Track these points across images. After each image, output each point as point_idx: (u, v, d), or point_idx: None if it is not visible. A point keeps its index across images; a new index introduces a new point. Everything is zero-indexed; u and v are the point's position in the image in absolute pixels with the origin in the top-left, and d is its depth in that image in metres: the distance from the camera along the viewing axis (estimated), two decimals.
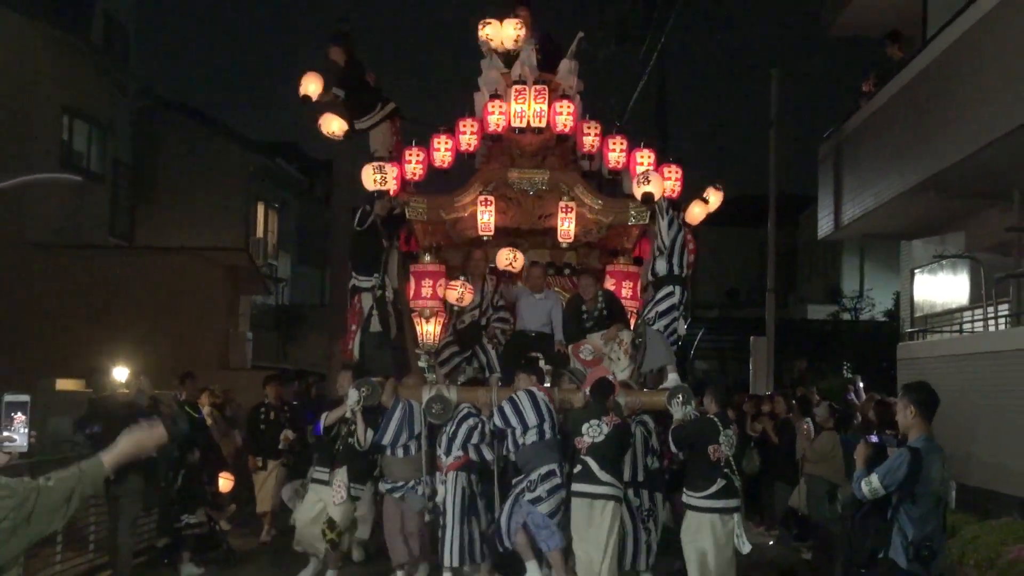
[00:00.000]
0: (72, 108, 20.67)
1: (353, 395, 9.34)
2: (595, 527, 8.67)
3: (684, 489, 8.95)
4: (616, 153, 10.64)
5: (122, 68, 23.74)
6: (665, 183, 10.24)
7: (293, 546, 10.35)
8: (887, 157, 14.42)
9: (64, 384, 14.21)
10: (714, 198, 10.98)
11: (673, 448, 9.14)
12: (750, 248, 20.05)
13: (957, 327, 14.34)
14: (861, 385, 15.20)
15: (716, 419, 8.88)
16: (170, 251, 20.40)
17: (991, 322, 13.09)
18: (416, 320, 10.89)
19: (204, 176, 23.70)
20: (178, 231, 22.22)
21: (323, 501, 9.58)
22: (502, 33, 10.86)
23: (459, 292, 10.57)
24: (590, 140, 10.60)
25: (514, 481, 9.15)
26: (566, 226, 10.45)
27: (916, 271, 17.08)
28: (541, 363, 9.91)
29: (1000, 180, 12.36)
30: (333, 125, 10.84)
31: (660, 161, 10.72)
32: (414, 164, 10.55)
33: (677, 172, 10.67)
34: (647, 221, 10.57)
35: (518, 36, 10.79)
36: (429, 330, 10.82)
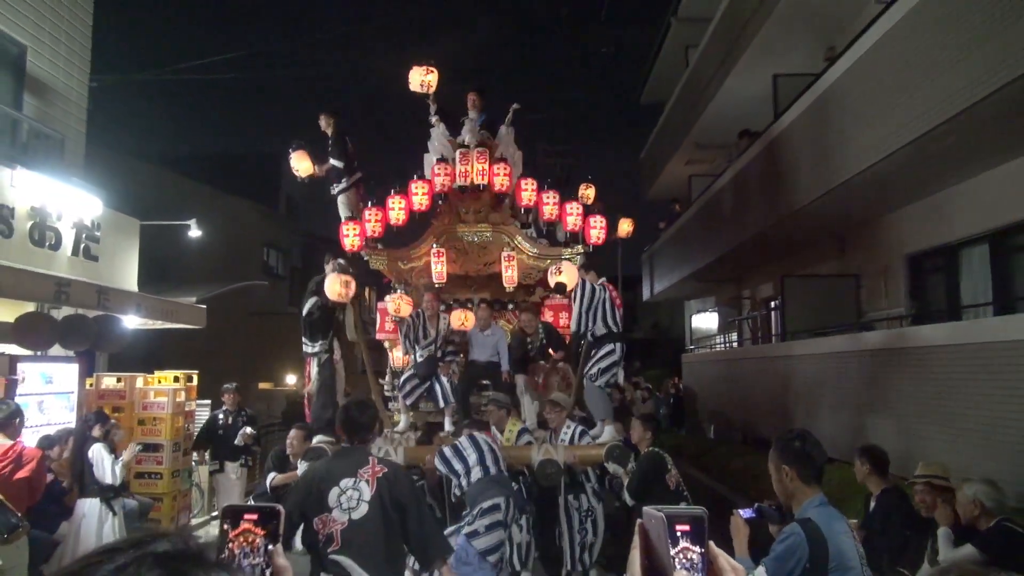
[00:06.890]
0: (269, 243, 20.53)
1: (303, 467, 5.23)
2: None
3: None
4: (550, 206, 6.52)
5: (296, 221, 23.79)
6: (592, 231, 6.54)
7: None
8: (674, 261, 14.64)
9: (263, 385, 14.06)
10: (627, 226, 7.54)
11: (629, 500, 5.13)
12: None
13: (710, 346, 14.50)
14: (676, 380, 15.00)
15: (658, 450, 5.22)
16: None
17: (727, 344, 13.29)
18: (388, 349, 7.45)
19: None
20: None
21: None
22: (416, 78, 6.50)
23: (396, 304, 6.54)
24: (527, 195, 6.54)
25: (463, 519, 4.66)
26: (509, 273, 6.46)
27: (692, 315, 17.28)
28: (489, 392, 6.22)
29: (728, 270, 12.64)
30: (302, 165, 6.72)
31: (588, 212, 6.60)
32: (374, 223, 6.57)
33: (602, 222, 6.69)
34: (578, 263, 6.43)
35: (424, 81, 6.44)
36: (398, 355, 7.29)
